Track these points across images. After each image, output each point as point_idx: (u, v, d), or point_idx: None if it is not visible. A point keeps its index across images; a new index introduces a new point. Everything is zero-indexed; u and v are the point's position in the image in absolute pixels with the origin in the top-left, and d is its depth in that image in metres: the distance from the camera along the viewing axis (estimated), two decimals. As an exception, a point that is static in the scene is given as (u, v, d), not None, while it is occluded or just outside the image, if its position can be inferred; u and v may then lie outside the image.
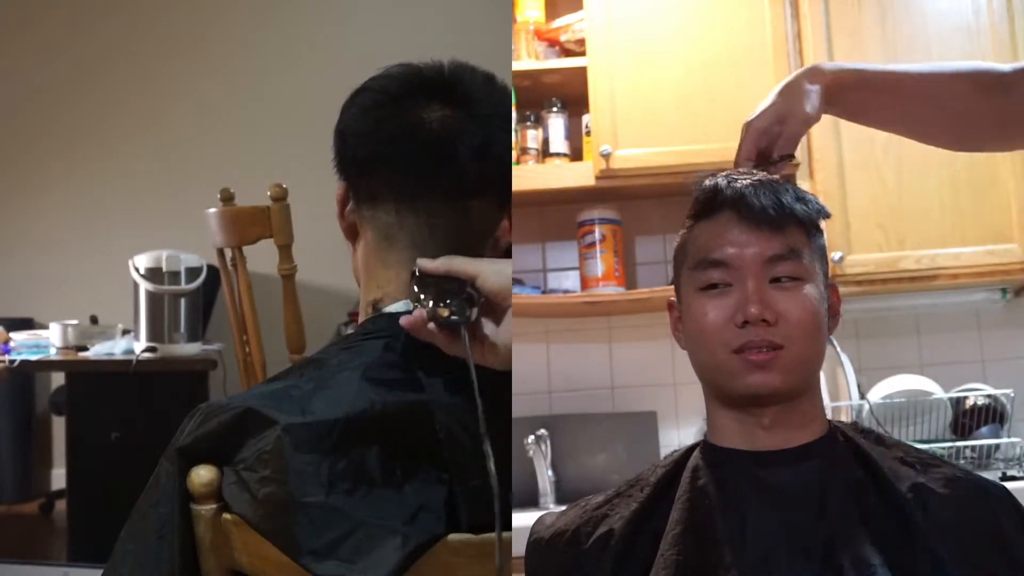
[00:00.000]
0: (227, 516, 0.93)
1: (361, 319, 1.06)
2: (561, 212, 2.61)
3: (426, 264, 0.97)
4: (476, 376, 0.91)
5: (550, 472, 2.38)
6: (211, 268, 3.15)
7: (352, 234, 1.07)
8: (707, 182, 1.08)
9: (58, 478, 3.89)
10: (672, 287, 1.12)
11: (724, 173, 1.09)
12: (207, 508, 0.93)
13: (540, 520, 1.11)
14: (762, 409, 1.02)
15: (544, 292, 2.62)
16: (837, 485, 0.99)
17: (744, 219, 1.02)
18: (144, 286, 3.14)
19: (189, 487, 0.93)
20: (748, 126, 1.20)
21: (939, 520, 0.96)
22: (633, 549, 1.01)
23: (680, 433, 2.52)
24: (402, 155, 1.00)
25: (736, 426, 1.04)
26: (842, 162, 2.37)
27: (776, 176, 1.09)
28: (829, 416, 1.10)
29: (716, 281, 1.03)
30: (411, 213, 1.01)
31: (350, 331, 3.97)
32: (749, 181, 1.05)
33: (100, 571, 0.95)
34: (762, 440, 1.02)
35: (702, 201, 1.07)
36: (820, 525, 0.96)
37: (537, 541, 1.08)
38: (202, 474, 0.93)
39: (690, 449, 1.09)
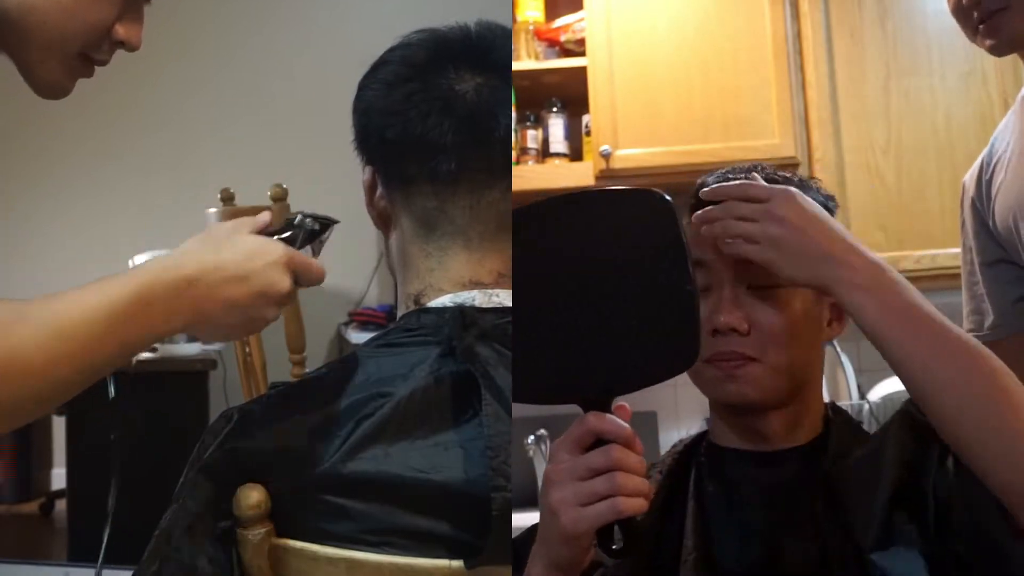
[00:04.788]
0: (277, 541, 0.86)
1: (400, 313, 0.98)
2: (561, 212, 2.60)
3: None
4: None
5: (550, 472, 2.38)
6: (211, 268, 3.15)
7: (384, 222, 0.98)
8: (699, 179, 1.04)
9: (58, 478, 3.89)
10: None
11: (723, 171, 1.04)
12: (255, 533, 0.85)
13: None
14: (750, 415, 1.01)
15: (544, 292, 2.61)
16: (827, 487, 0.98)
17: None
18: (144, 286, 3.14)
19: (235, 510, 0.86)
20: None
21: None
22: (652, 524, 1.00)
23: (680, 433, 2.51)
24: (438, 132, 0.91)
25: (731, 428, 1.03)
26: (842, 162, 2.37)
27: (785, 174, 1.03)
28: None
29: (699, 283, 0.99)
30: (452, 195, 0.93)
31: (351, 332, 3.93)
32: (736, 177, 1.00)
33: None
34: (758, 441, 1.02)
35: (691, 197, 1.03)
36: (820, 526, 0.96)
37: None
38: (249, 495, 0.85)
39: (700, 436, 1.09)
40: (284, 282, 0.88)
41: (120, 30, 0.96)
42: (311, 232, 0.95)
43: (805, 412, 1.02)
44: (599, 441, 0.79)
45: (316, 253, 0.96)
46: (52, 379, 0.78)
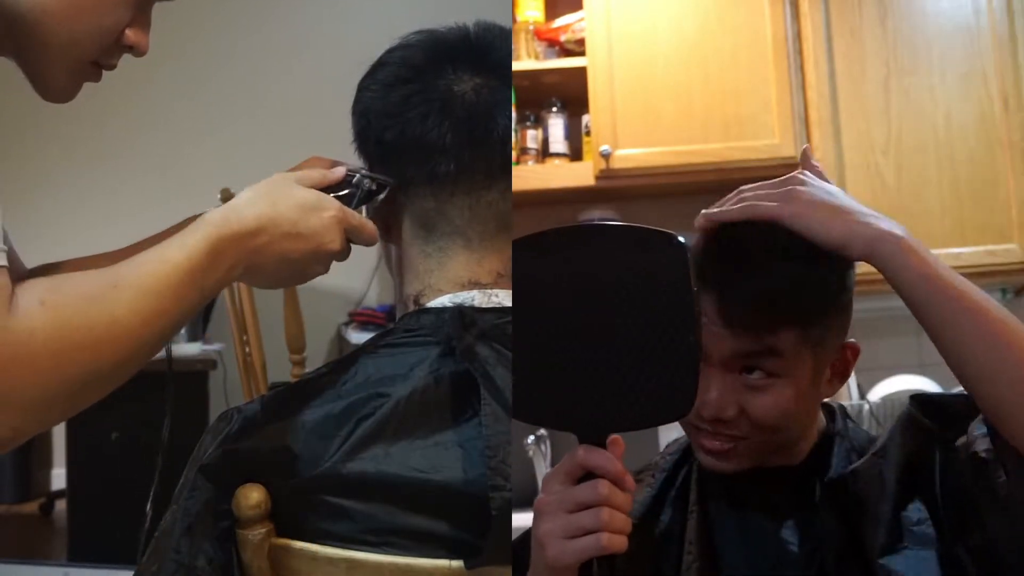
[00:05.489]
0: (278, 541, 0.86)
1: (399, 313, 0.99)
2: (561, 212, 2.60)
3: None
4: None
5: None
6: (211, 268, 3.15)
7: (384, 224, 0.99)
8: (718, 238, 0.95)
9: (58, 478, 3.88)
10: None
11: (735, 228, 0.94)
12: (255, 533, 0.86)
13: None
14: None
15: (544, 292, 2.61)
16: (831, 496, 0.98)
17: (723, 311, 0.92)
18: (144, 286, 3.14)
19: (235, 510, 0.86)
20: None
21: None
22: (644, 533, 1.00)
23: (680, 433, 2.52)
24: (437, 134, 0.91)
25: None
26: (842, 162, 2.37)
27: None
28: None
29: None
30: (450, 196, 0.93)
31: (351, 332, 3.93)
32: (749, 263, 0.93)
33: (100, 571, 0.93)
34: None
35: (697, 262, 0.92)
36: (825, 534, 0.95)
37: None
38: (249, 495, 0.85)
39: None
40: (336, 242, 0.91)
41: (130, 35, 0.97)
42: (368, 192, 0.95)
43: (800, 438, 1.01)
44: (591, 474, 0.79)
45: (369, 214, 0.96)
46: (146, 338, 0.82)
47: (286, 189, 0.91)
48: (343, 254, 0.93)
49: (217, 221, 0.86)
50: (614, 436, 0.80)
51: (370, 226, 0.95)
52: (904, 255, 0.86)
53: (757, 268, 0.93)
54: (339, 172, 0.95)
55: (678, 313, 0.79)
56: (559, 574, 0.79)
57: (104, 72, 0.99)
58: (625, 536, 0.78)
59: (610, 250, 0.82)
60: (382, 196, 0.96)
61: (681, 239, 0.80)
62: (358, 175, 0.95)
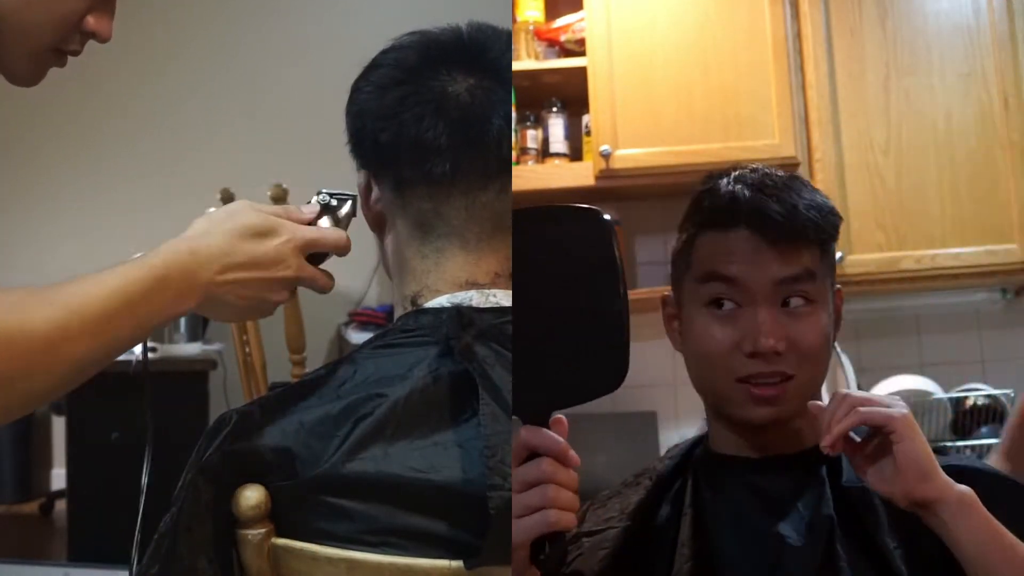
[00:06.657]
0: (278, 541, 0.87)
1: (397, 314, 0.99)
2: (561, 212, 2.60)
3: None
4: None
5: (550, 472, 2.37)
6: (211, 268, 3.15)
7: (379, 225, 0.99)
8: (721, 186, 1.01)
9: (58, 478, 3.88)
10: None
11: (735, 173, 1.02)
12: (255, 533, 0.86)
13: None
14: (763, 430, 1.00)
15: (544, 292, 2.61)
16: (829, 491, 0.98)
17: (757, 234, 0.96)
18: (144, 286, 3.14)
19: (235, 511, 0.87)
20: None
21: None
22: (637, 534, 1.01)
23: (680, 433, 2.52)
24: (432, 135, 0.91)
25: (734, 437, 1.03)
26: (842, 162, 2.37)
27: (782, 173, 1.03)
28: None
29: (723, 297, 0.98)
30: (447, 197, 0.93)
31: (351, 332, 3.93)
32: (765, 191, 0.98)
33: (100, 571, 0.93)
34: (761, 448, 1.01)
35: (713, 209, 1.01)
36: (830, 535, 0.95)
37: None
38: (249, 495, 0.86)
39: (696, 442, 1.08)
40: (292, 267, 0.91)
41: (90, 21, 0.98)
42: (324, 207, 0.97)
43: (808, 418, 1.01)
44: (536, 455, 0.80)
45: (344, 226, 0.98)
46: (67, 356, 0.80)
47: (240, 218, 0.90)
48: (300, 279, 0.93)
49: (168, 252, 0.85)
50: (557, 416, 0.82)
51: (332, 236, 0.95)
52: (953, 524, 0.89)
53: (780, 193, 0.98)
54: (308, 212, 0.96)
55: (602, 284, 0.81)
56: (513, 553, 0.80)
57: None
58: (573, 513, 0.79)
59: (540, 232, 0.84)
60: (346, 210, 0.98)
61: (605, 215, 0.83)
62: (321, 193, 0.97)
